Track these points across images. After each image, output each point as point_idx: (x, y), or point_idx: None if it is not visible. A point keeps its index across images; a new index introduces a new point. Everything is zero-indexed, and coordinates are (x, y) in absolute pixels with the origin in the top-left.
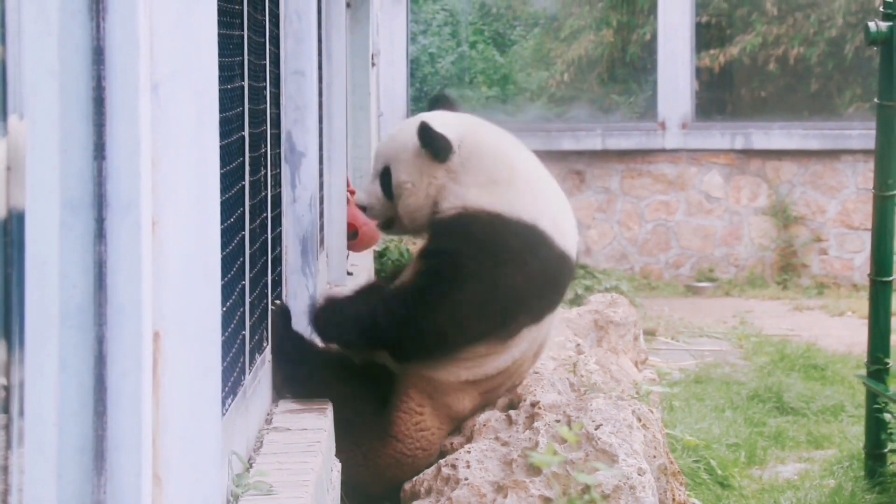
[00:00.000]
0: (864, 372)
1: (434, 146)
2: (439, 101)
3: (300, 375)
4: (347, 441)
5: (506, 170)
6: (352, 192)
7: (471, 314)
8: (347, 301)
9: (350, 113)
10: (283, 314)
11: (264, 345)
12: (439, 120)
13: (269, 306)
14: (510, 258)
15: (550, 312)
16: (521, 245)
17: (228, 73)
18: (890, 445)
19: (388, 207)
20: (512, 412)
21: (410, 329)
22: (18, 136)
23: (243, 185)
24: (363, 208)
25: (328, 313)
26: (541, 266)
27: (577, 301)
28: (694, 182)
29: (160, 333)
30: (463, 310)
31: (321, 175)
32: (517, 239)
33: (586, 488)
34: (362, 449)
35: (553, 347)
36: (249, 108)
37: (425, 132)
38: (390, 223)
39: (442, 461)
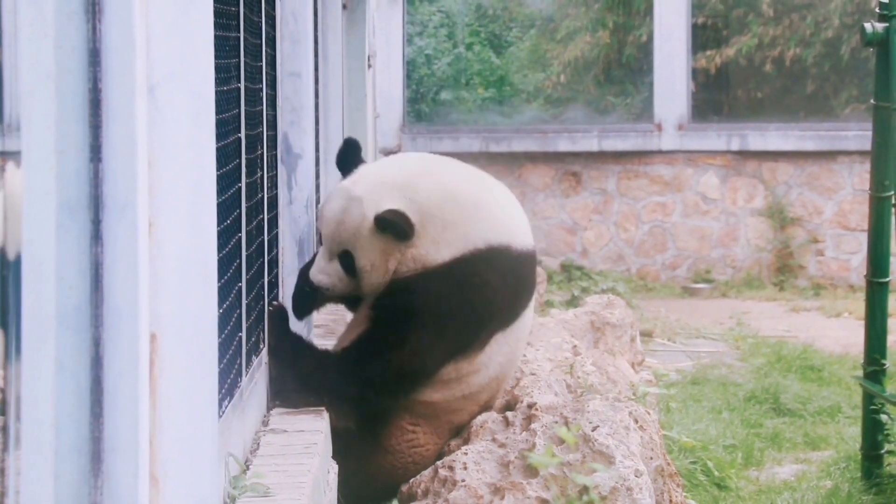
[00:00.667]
0: (860, 373)
1: (398, 231)
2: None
3: (297, 377)
4: (341, 445)
5: (455, 209)
6: None
7: (433, 349)
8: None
9: (346, 114)
10: (281, 315)
11: (261, 347)
12: (387, 191)
13: (266, 308)
14: (468, 291)
15: (524, 310)
16: (480, 274)
17: (225, 74)
18: (886, 446)
19: (350, 285)
20: (509, 413)
21: (377, 385)
22: (14, 181)
23: (240, 187)
24: (319, 288)
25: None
26: (501, 280)
27: (573, 302)
28: (690, 183)
29: (157, 335)
30: (425, 346)
31: (317, 177)
32: (475, 270)
33: (584, 490)
34: (355, 455)
35: (550, 349)
36: (246, 110)
37: (386, 223)
38: (347, 296)
39: (439, 463)
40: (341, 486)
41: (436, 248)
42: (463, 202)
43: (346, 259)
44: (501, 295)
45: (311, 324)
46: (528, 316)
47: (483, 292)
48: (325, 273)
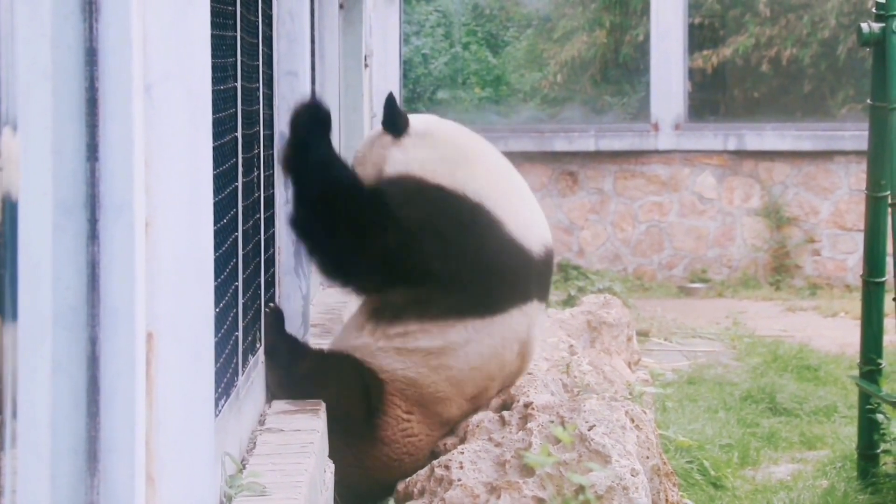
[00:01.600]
0: (856, 373)
1: (388, 115)
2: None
3: (293, 378)
4: (338, 442)
5: (458, 154)
6: None
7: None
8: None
9: (343, 114)
10: (277, 316)
11: (257, 346)
12: (422, 115)
13: (263, 308)
14: (448, 228)
15: (511, 306)
16: (460, 217)
17: (221, 74)
18: (882, 446)
19: None
20: (505, 413)
21: (344, 222)
22: (11, 149)
23: (236, 187)
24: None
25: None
26: (480, 244)
27: (570, 302)
28: (687, 183)
29: (153, 334)
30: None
31: None
32: (456, 212)
33: (580, 489)
34: (352, 450)
35: (546, 348)
36: (242, 110)
37: (388, 101)
38: None
39: (435, 462)
40: (338, 484)
41: (422, 165)
42: (465, 155)
43: None
44: (472, 263)
45: (307, 324)
46: (519, 320)
47: (453, 243)
48: None
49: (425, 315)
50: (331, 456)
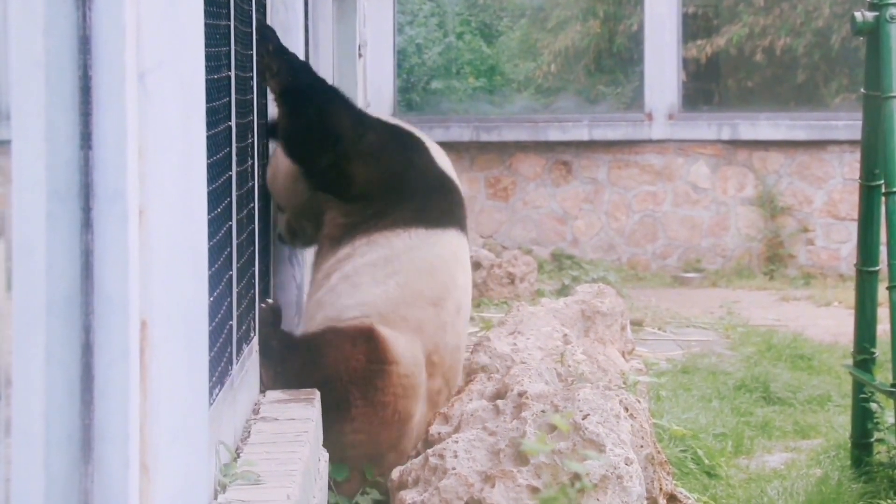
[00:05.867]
0: (850, 362)
1: None
2: None
3: (289, 373)
4: (341, 414)
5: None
6: None
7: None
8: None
9: None
10: (273, 313)
11: (252, 335)
12: None
13: (258, 297)
14: (396, 141)
15: (451, 225)
16: (404, 140)
17: (215, 62)
18: (876, 435)
19: None
20: (499, 402)
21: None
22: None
23: (230, 176)
24: None
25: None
26: (424, 164)
27: (564, 291)
28: (681, 173)
29: (147, 323)
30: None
31: None
32: (402, 135)
33: (575, 477)
34: (360, 410)
35: (540, 338)
36: (236, 98)
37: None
38: None
39: (429, 451)
40: (349, 448)
41: None
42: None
43: None
44: (418, 178)
45: (301, 313)
46: (458, 241)
47: (393, 152)
48: None
49: (373, 228)
50: (334, 430)
